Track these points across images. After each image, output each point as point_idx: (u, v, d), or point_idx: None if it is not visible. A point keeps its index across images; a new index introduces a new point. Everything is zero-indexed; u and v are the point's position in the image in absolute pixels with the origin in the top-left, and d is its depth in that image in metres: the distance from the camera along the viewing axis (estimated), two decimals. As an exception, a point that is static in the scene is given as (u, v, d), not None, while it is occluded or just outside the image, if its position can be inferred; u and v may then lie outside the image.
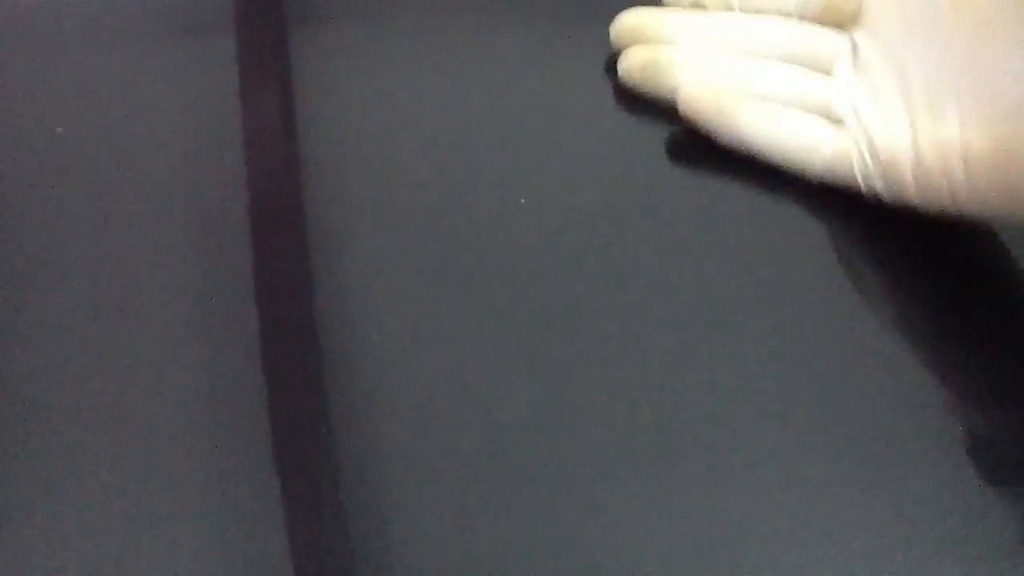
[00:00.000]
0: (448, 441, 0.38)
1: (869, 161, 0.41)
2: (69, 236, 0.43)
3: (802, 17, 0.46)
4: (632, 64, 0.46)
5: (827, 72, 0.44)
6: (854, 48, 0.44)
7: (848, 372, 0.40)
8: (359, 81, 0.48)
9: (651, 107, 0.46)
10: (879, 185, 0.41)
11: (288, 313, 0.42)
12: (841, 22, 0.45)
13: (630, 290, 0.42)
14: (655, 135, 0.46)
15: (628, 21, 0.47)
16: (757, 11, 0.46)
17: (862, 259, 0.43)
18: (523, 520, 0.36)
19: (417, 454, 0.37)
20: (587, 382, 0.39)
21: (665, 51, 0.46)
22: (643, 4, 0.47)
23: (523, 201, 0.44)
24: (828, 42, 0.45)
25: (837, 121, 0.43)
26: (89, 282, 0.42)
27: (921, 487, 0.37)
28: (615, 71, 0.47)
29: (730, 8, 0.46)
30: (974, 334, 0.41)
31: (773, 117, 0.44)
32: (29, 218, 0.44)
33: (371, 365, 0.40)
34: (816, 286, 0.43)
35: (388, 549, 0.35)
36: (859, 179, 0.42)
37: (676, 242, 0.43)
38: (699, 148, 0.45)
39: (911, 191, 0.40)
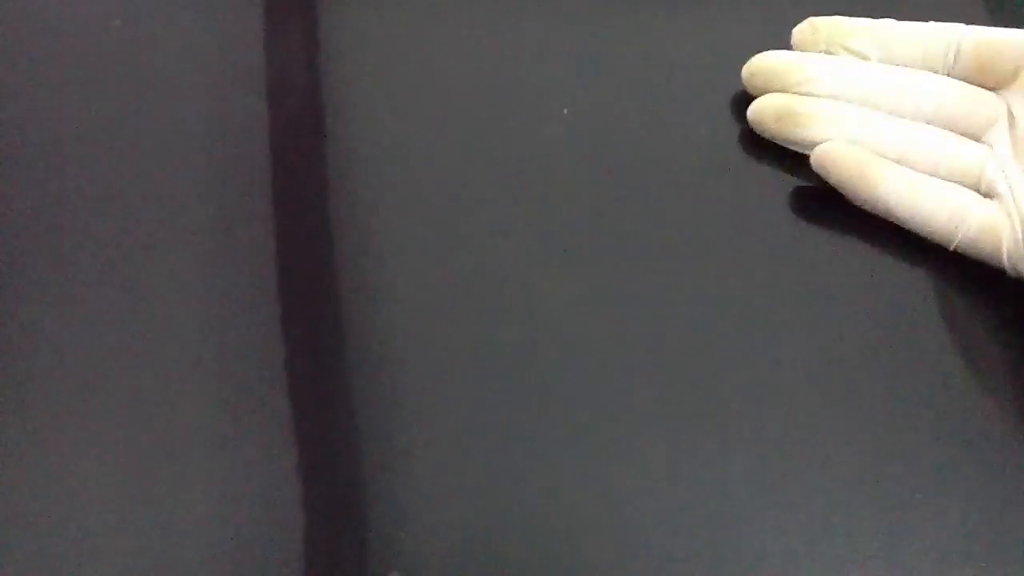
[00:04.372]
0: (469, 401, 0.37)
1: (1022, 240, 0.38)
2: (85, 179, 0.42)
3: (950, 73, 0.42)
4: (766, 113, 0.42)
5: (977, 137, 0.41)
6: (1010, 113, 0.40)
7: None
8: (384, 29, 0.46)
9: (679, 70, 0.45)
10: None
11: (309, 270, 0.41)
12: (995, 82, 0.41)
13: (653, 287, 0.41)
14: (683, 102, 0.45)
15: (763, 64, 0.43)
16: (898, 63, 0.42)
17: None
18: (531, 486, 0.36)
19: (439, 411, 0.37)
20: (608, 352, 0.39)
21: (803, 103, 0.42)
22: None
23: (565, 112, 0.43)
24: (980, 104, 0.41)
25: (987, 193, 0.40)
26: (105, 228, 0.41)
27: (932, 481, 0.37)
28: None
29: (866, 59, 0.42)
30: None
31: (916, 186, 0.40)
32: (44, 162, 0.42)
33: (394, 324, 0.39)
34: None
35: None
36: (1004, 258, 0.39)
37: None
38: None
39: None
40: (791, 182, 0.43)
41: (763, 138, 0.43)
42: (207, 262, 0.40)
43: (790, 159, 0.42)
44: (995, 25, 0.42)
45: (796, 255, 0.42)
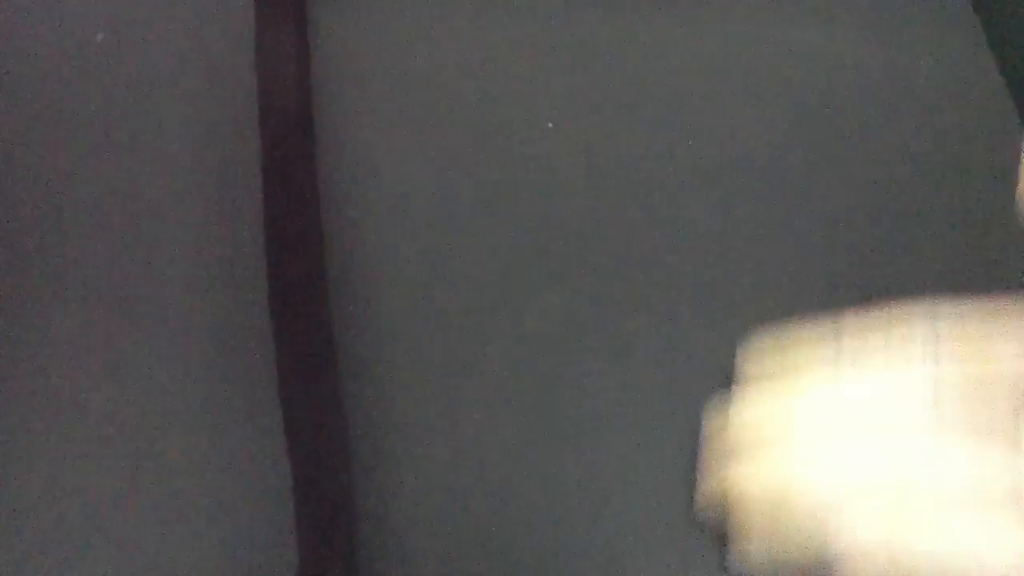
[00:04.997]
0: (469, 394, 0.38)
1: None
2: (79, 183, 0.43)
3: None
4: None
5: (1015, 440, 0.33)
6: None
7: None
8: (373, 40, 0.47)
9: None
10: None
11: (300, 274, 0.41)
12: None
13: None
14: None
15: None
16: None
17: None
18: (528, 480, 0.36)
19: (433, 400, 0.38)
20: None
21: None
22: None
23: (550, 126, 0.43)
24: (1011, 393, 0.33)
25: None
26: (99, 215, 0.41)
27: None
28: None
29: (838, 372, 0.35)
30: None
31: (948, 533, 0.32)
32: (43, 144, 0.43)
33: (383, 319, 0.39)
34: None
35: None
36: None
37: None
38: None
39: None
40: (783, 186, 0.43)
41: (750, 146, 0.43)
42: (199, 268, 0.41)
43: (781, 165, 0.42)
44: (984, 27, 0.41)
45: (790, 261, 0.41)
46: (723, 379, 0.37)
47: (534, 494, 0.36)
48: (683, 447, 0.37)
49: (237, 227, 0.41)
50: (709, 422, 0.35)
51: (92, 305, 0.39)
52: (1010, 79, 0.41)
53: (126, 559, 0.34)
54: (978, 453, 0.32)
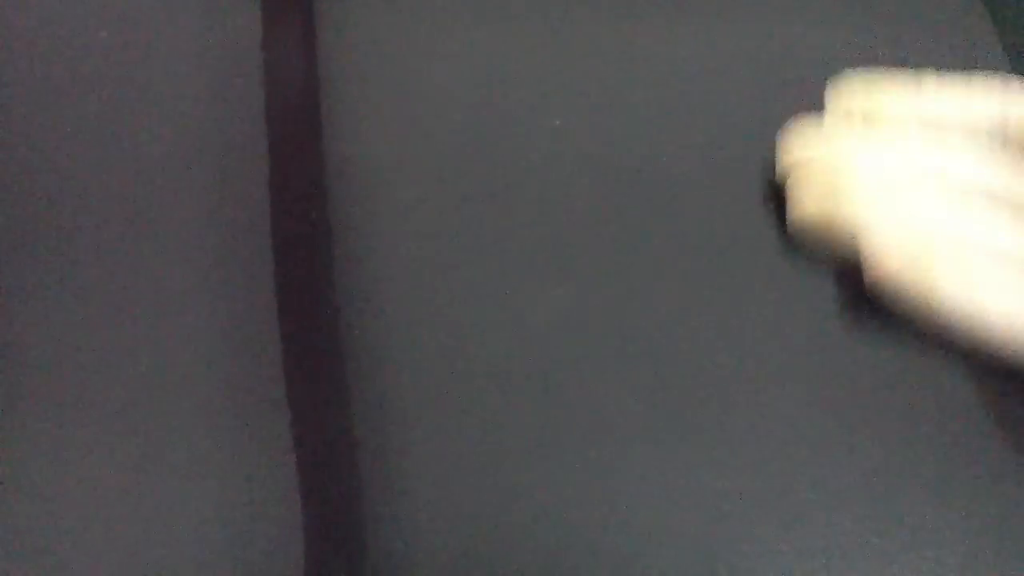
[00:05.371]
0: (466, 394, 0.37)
1: None
2: (83, 183, 0.42)
3: (1004, 141, 0.37)
4: (808, 215, 0.38)
5: None
6: None
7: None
8: (377, 38, 0.47)
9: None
10: None
11: (305, 275, 0.41)
12: None
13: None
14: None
15: (795, 148, 0.40)
16: (938, 124, 0.38)
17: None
18: (530, 479, 0.36)
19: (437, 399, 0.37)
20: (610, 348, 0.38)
21: (844, 194, 0.38)
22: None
23: (557, 123, 0.43)
24: None
25: None
26: (102, 218, 0.41)
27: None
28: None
29: (906, 121, 0.38)
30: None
31: (975, 281, 0.35)
32: (41, 148, 0.43)
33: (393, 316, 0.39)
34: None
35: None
36: None
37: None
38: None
39: None
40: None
41: (756, 148, 0.42)
42: (204, 268, 0.41)
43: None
44: (995, 20, 0.41)
45: (792, 269, 0.41)
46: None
47: (544, 496, 0.35)
48: (695, 449, 0.37)
49: (243, 226, 0.41)
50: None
51: (94, 305, 0.39)
52: (1020, 73, 0.41)
53: (128, 560, 0.34)
54: None
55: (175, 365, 0.39)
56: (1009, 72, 0.41)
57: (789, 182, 0.40)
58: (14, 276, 0.40)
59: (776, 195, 0.41)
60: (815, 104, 0.42)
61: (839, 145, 0.39)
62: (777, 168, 0.41)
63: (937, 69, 0.41)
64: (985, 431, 0.37)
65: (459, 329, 0.39)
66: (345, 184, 0.43)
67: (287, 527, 0.35)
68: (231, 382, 0.38)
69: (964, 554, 0.35)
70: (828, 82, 0.42)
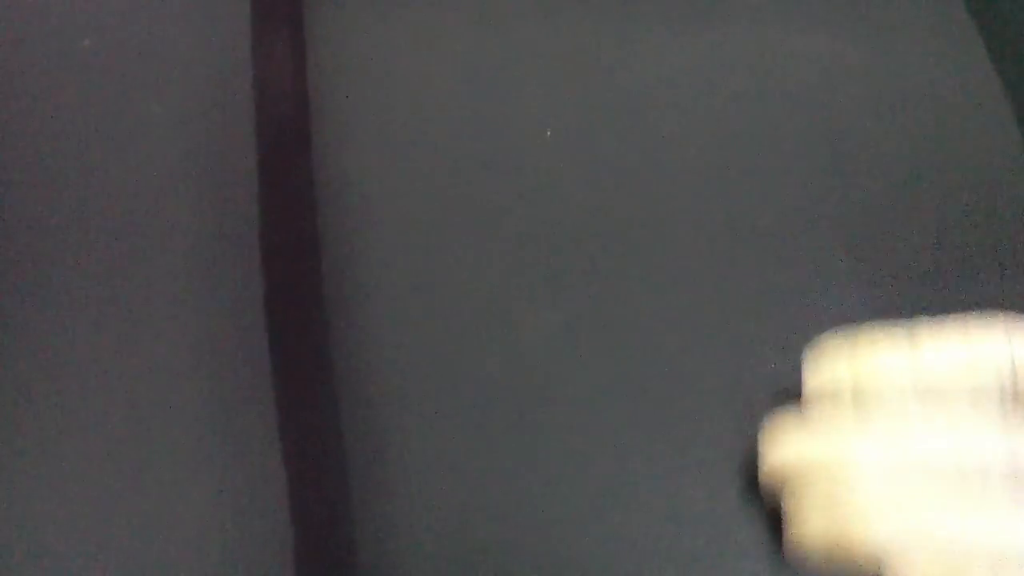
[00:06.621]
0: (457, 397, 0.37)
1: None
2: (75, 186, 0.42)
3: (1016, 396, 0.33)
4: (813, 536, 0.33)
5: None
6: None
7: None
8: (370, 45, 0.47)
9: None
10: None
11: (297, 279, 0.41)
12: None
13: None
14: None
15: (782, 447, 0.34)
16: (939, 392, 0.33)
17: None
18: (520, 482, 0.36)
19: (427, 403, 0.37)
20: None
21: (853, 507, 0.33)
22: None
23: (549, 133, 0.43)
24: None
25: None
26: (91, 224, 0.41)
27: None
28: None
29: (903, 394, 0.33)
30: None
31: None
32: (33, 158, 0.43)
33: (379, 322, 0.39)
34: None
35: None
36: None
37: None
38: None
39: None
40: (780, 206, 0.42)
41: (749, 161, 0.42)
42: (194, 272, 0.41)
43: (778, 180, 0.42)
44: (977, 22, 0.40)
45: (783, 281, 0.41)
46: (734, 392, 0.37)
47: (535, 503, 0.35)
48: (694, 459, 0.37)
49: (232, 231, 0.41)
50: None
51: (84, 310, 0.39)
52: (1009, 84, 0.42)
53: (120, 563, 0.34)
54: None
55: (165, 371, 0.39)
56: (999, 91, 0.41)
57: (784, 493, 0.35)
58: (5, 284, 0.40)
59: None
60: (811, 102, 0.42)
61: (833, 441, 0.34)
62: (762, 470, 0.36)
63: (928, 86, 0.41)
64: None
65: (449, 341, 0.39)
66: (335, 195, 0.43)
67: (277, 530, 0.35)
68: (221, 388, 0.38)
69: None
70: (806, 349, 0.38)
